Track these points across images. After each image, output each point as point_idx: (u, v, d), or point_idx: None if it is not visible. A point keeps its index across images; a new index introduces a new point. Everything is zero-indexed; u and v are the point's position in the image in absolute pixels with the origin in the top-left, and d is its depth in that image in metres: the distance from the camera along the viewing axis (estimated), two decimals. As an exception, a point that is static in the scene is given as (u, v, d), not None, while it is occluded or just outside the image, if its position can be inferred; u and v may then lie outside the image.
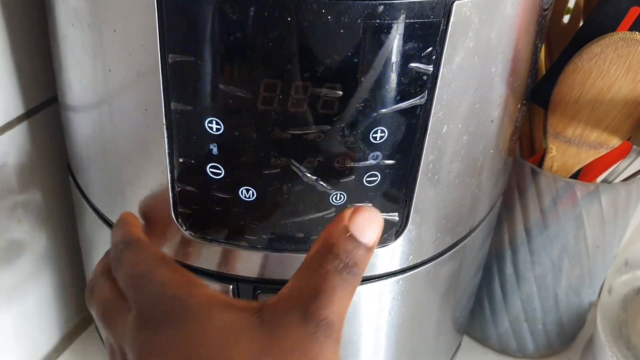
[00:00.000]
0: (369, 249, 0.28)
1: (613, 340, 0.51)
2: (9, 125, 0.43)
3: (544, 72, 0.47)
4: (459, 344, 0.54)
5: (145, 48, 0.29)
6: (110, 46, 0.31)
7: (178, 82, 0.30)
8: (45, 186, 0.47)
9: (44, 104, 0.45)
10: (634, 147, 0.43)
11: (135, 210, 0.36)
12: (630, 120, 0.41)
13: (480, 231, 0.43)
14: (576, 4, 0.49)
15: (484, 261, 0.51)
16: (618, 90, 0.40)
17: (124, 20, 0.29)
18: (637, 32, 0.37)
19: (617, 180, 0.46)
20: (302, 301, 0.27)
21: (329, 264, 0.28)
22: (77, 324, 0.56)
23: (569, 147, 0.44)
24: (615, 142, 0.43)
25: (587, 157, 0.44)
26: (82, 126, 0.37)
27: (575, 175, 0.47)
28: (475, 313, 0.57)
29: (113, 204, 0.38)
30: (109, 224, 0.39)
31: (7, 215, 0.45)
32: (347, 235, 0.28)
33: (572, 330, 0.57)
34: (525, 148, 0.51)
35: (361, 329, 0.40)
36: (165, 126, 0.31)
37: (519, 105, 0.38)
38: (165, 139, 0.32)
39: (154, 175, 0.34)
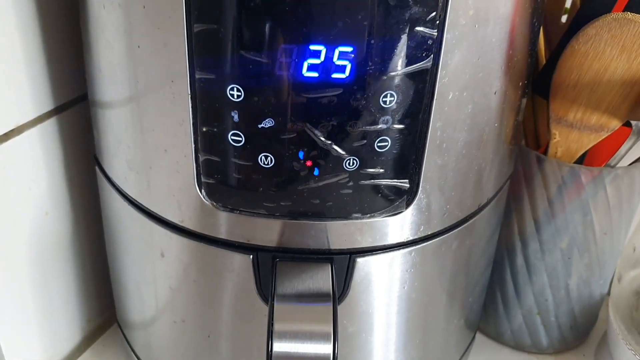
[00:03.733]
0: None
1: (626, 328, 0.52)
2: (39, 120, 0.45)
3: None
4: (473, 339, 0.55)
5: (172, 20, 0.32)
6: (140, 22, 0.34)
7: (202, 51, 0.32)
8: (72, 179, 0.49)
9: (73, 101, 0.48)
10: (634, 129, 0.45)
11: (160, 185, 0.38)
12: (628, 100, 0.43)
13: (489, 212, 0.44)
14: (573, 3, 0.51)
15: (494, 252, 0.52)
16: (614, 71, 0.42)
17: (153, -4, 0.32)
18: (629, 12, 0.40)
19: (621, 164, 0.48)
20: None
21: None
22: (99, 324, 0.58)
23: (571, 131, 0.46)
24: (615, 124, 0.45)
25: (589, 140, 0.46)
26: (110, 109, 0.39)
27: (580, 163, 0.49)
28: (489, 309, 0.58)
29: (140, 184, 0.40)
30: (136, 206, 0.41)
31: (35, 208, 0.47)
32: None
33: (585, 324, 0.57)
34: (530, 142, 0.53)
35: (375, 302, 0.41)
36: (190, 96, 0.34)
37: (520, 83, 0.40)
38: (190, 109, 0.34)
39: (179, 147, 0.36)
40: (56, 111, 0.47)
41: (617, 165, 0.48)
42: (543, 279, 0.53)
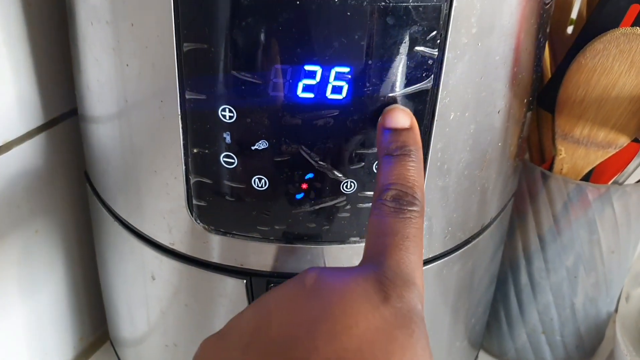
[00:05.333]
0: (408, 130, 0.30)
1: (634, 349, 0.51)
2: (29, 135, 0.44)
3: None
4: (476, 358, 0.54)
5: (161, 39, 0.31)
6: (128, 40, 0.32)
7: (192, 70, 0.31)
8: (63, 196, 0.48)
9: (64, 115, 0.46)
10: (643, 145, 0.43)
11: (150, 207, 0.37)
12: (637, 117, 0.42)
13: (492, 232, 0.43)
14: (579, 14, 0.50)
15: (498, 270, 0.50)
16: (622, 86, 0.40)
17: (141, 13, 0.31)
18: (637, 27, 0.38)
19: (629, 182, 0.46)
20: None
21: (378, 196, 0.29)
22: (92, 342, 0.56)
23: (577, 147, 0.44)
24: (623, 140, 0.43)
25: (596, 157, 0.45)
26: (100, 127, 0.38)
27: (586, 180, 0.47)
28: (492, 327, 0.56)
29: (130, 204, 0.39)
30: (126, 226, 0.40)
31: (25, 225, 0.46)
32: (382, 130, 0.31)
33: (591, 343, 0.56)
34: (535, 157, 0.52)
35: (375, 327, 0.40)
36: (180, 116, 0.32)
37: (525, 100, 0.38)
38: (180, 130, 0.33)
39: (169, 168, 0.35)
40: (46, 126, 0.45)
41: (625, 183, 0.46)
42: (548, 298, 0.52)
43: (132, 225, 0.39)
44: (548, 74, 0.49)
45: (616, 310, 0.55)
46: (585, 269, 0.50)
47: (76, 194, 0.49)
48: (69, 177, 0.48)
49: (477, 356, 0.54)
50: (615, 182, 0.46)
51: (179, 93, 0.32)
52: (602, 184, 0.46)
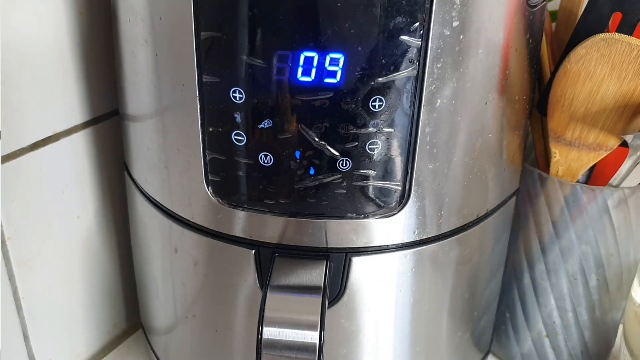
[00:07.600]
0: None
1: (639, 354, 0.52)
2: (76, 129, 0.50)
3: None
4: None
5: (182, 29, 0.36)
6: (157, 32, 0.38)
7: (208, 56, 0.36)
8: (103, 186, 0.54)
9: (108, 114, 0.52)
10: (630, 146, 0.46)
11: (174, 183, 0.42)
12: (623, 118, 0.45)
13: (490, 225, 0.46)
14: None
15: (502, 268, 0.53)
16: (606, 89, 0.44)
17: (168, 9, 0.37)
18: (616, 33, 0.42)
19: (628, 184, 0.48)
20: None
21: None
22: (124, 329, 0.61)
23: (570, 150, 0.47)
24: (613, 142, 0.46)
25: (589, 159, 0.47)
26: (134, 115, 0.43)
27: (586, 182, 0.50)
28: (499, 331, 0.58)
29: (158, 182, 0.44)
30: (155, 204, 0.45)
31: (68, 210, 0.51)
32: None
33: (597, 348, 0.57)
34: (541, 164, 0.54)
35: (372, 303, 0.43)
36: (198, 98, 0.38)
37: (517, 97, 0.42)
38: (198, 111, 0.38)
39: (190, 146, 0.40)
40: (92, 122, 0.51)
41: (623, 185, 0.48)
42: (550, 301, 0.53)
43: (159, 203, 0.44)
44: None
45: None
46: (586, 272, 0.52)
47: (116, 184, 0.54)
48: (109, 169, 0.54)
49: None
50: (609, 185, 0.49)
51: (197, 77, 0.37)
52: (597, 186, 0.48)
